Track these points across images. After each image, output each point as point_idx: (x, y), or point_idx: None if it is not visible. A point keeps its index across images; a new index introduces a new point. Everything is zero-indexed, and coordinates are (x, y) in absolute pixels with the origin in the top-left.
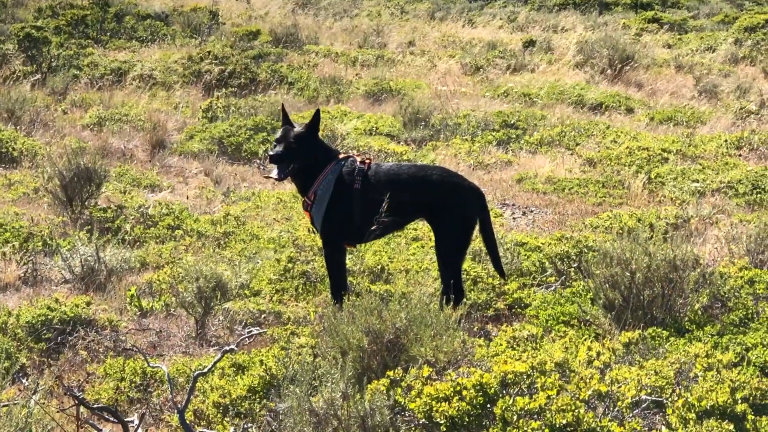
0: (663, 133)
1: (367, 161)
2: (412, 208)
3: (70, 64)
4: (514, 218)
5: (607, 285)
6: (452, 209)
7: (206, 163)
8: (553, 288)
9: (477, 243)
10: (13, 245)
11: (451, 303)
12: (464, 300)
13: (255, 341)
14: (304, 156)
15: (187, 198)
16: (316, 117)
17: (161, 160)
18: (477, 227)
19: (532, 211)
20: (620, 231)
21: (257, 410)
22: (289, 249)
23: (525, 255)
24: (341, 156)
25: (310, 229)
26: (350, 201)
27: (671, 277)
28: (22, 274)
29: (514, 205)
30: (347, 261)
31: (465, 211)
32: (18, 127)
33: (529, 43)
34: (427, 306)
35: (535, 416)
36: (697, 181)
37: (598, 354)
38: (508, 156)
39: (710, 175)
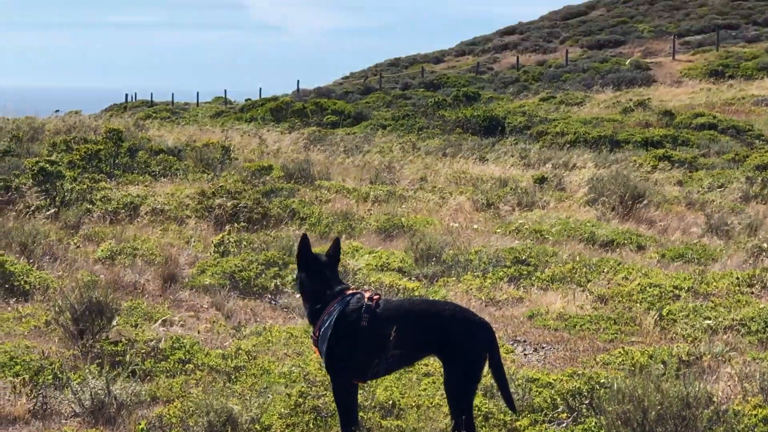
0: (674, 270)
1: (375, 297)
2: (422, 344)
3: (83, 198)
4: (525, 355)
5: (619, 422)
6: (462, 345)
7: (218, 298)
8: (564, 424)
9: (488, 379)
10: (23, 378)
11: None
12: None
13: None
14: (309, 281)
15: (198, 332)
16: (336, 245)
17: (173, 294)
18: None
19: (543, 348)
20: (632, 368)
21: None
22: (300, 384)
23: (536, 391)
24: (349, 292)
25: (320, 364)
26: (356, 338)
27: (684, 415)
28: (32, 408)
29: (525, 341)
30: (358, 396)
31: (475, 346)
32: (30, 261)
33: (541, 180)
34: None
35: None
36: (710, 319)
37: None
38: (519, 292)
39: (722, 312)
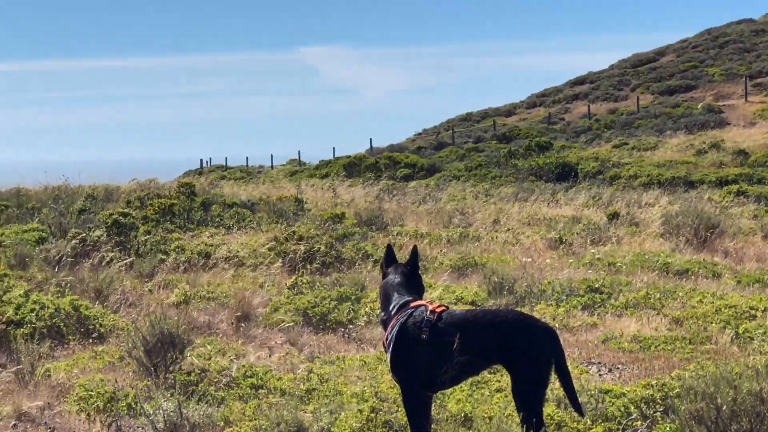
0: (750, 294)
1: (438, 309)
2: (487, 353)
3: (157, 249)
4: (600, 375)
5: (692, 421)
6: (528, 351)
7: (291, 334)
8: (639, 431)
9: (561, 390)
10: (97, 405)
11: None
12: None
13: None
14: (384, 289)
15: (270, 358)
16: (414, 253)
17: (246, 332)
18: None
19: (618, 368)
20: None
21: None
22: (372, 400)
23: (610, 401)
24: (414, 304)
25: (391, 376)
26: (416, 351)
27: (759, 411)
28: None
29: (600, 362)
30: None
31: (540, 351)
32: (105, 305)
33: (613, 216)
34: None
35: None
36: None
37: None
38: (593, 318)
39: None
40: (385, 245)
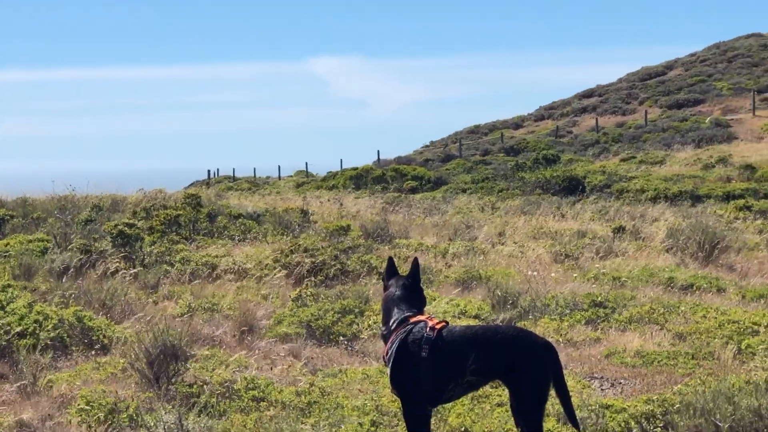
0: (754, 309)
1: (438, 326)
2: (488, 370)
3: (162, 260)
4: (602, 389)
5: None
6: (528, 367)
7: (294, 346)
8: None
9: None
10: (98, 417)
11: None
12: None
13: None
14: (385, 303)
15: (272, 370)
16: (415, 265)
17: (249, 344)
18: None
19: (620, 383)
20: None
21: None
22: (373, 414)
23: (611, 416)
24: (414, 319)
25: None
26: (417, 368)
27: (757, 427)
28: None
29: (602, 377)
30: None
31: (540, 367)
32: (109, 316)
33: (619, 230)
34: None
35: None
36: None
37: None
38: (597, 333)
39: None
40: (387, 258)
